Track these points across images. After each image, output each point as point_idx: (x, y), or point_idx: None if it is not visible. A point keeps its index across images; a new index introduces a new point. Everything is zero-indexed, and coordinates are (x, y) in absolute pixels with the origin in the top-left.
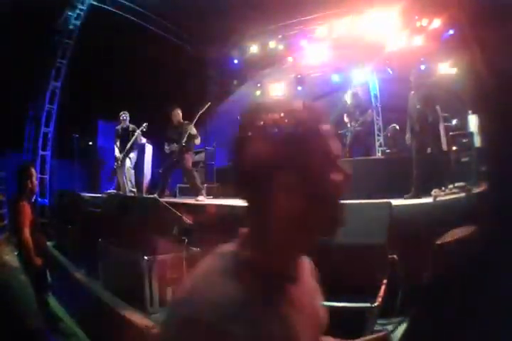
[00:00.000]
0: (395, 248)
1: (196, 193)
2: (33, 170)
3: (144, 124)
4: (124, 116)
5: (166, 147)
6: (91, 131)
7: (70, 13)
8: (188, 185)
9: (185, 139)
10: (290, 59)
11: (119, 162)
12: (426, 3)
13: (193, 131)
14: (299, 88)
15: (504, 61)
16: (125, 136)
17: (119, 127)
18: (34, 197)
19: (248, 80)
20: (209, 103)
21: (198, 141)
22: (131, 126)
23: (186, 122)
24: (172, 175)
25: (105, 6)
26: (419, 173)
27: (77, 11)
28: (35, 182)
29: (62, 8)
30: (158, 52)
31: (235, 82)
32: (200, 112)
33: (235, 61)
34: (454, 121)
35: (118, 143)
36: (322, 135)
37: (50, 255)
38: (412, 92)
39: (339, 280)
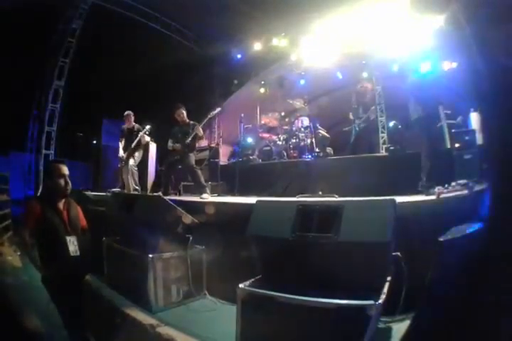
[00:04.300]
0: (399, 245)
1: (200, 191)
2: (59, 167)
3: (148, 127)
4: (129, 115)
5: (170, 144)
6: (95, 130)
7: (72, 12)
8: (191, 183)
9: (190, 139)
10: (293, 56)
11: (123, 162)
12: (428, 1)
13: (200, 132)
14: (303, 85)
15: (504, 60)
16: (130, 135)
17: (124, 126)
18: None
19: (252, 77)
20: (219, 108)
21: (202, 142)
22: (136, 126)
23: (192, 122)
24: (175, 173)
25: (108, 5)
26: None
27: (80, 10)
28: (60, 181)
29: (64, 7)
30: (162, 50)
31: (239, 79)
32: (210, 116)
33: (238, 56)
34: (458, 119)
35: (123, 143)
36: None
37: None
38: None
39: (343, 278)
